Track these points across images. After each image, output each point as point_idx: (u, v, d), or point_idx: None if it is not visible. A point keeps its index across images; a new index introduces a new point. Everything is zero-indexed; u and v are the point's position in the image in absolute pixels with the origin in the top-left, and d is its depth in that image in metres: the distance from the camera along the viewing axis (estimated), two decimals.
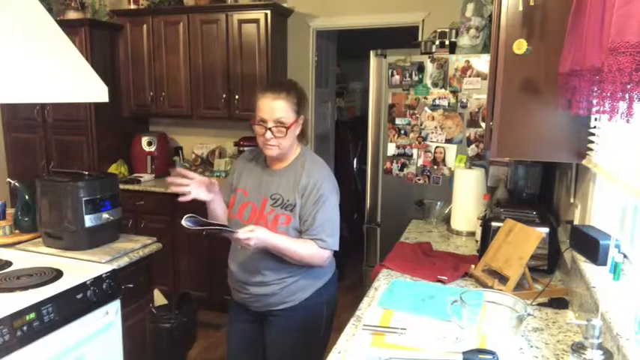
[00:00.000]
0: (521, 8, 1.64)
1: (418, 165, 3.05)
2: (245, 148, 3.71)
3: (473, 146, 2.89)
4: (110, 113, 3.93)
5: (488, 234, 1.96)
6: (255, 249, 1.65)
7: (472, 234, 2.44)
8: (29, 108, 3.96)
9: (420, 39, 3.44)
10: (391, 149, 3.12)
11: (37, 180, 2.15)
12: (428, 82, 2.96)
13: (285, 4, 3.83)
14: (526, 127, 1.77)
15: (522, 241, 1.74)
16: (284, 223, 1.71)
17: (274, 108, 1.67)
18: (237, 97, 3.74)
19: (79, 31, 3.72)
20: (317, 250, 1.71)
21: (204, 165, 4.19)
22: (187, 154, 4.33)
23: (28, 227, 2.26)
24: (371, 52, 3.15)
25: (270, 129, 1.67)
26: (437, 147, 2.99)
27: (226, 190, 1.91)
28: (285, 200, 1.73)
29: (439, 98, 2.94)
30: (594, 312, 1.28)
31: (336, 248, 1.76)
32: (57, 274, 1.83)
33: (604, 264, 1.47)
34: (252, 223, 1.71)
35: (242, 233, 1.58)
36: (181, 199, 1.74)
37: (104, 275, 1.90)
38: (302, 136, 1.80)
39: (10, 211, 2.37)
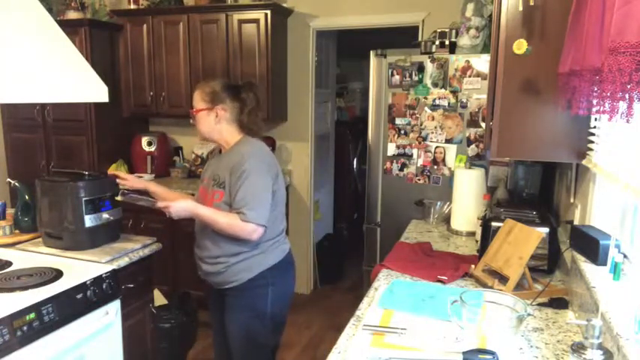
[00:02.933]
0: (521, 8, 1.64)
1: (418, 165, 3.06)
2: None
3: (473, 146, 2.89)
4: (110, 113, 3.92)
5: (488, 234, 1.97)
6: (178, 217, 1.87)
7: (472, 234, 2.44)
8: (29, 108, 3.95)
9: (420, 39, 3.44)
10: (391, 149, 3.12)
11: (37, 180, 2.15)
12: (428, 82, 2.96)
13: (285, 4, 3.83)
14: (526, 127, 1.77)
15: (522, 241, 1.74)
16: (218, 199, 1.90)
17: (193, 95, 1.99)
18: None
19: (79, 31, 3.72)
20: (238, 222, 1.82)
21: (204, 165, 4.19)
22: (187, 154, 4.33)
23: (28, 227, 2.26)
24: (371, 52, 3.15)
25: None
26: (437, 147, 2.99)
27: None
28: (220, 178, 1.92)
29: (439, 98, 2.94)
30: (594, 312, 1.28)
31: (260, 222, 1.84)
32: (57, 274, 1.83)
33: (604, 264, 1.47)
34: (201, 200, 1.97)
35: (160, 203, 1.86)
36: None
37: (104, 275, 1.90)
38: (243, 127, 1.98)
39: (10, 211, 2.37)
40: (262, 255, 1.94)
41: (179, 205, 1.84)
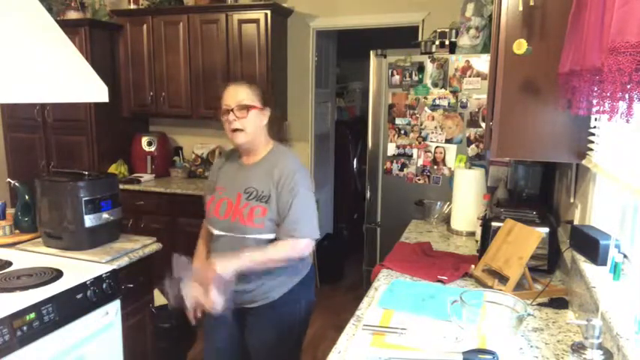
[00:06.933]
0: (521, 8, 1.64)
1: (418, 165, 3.06)
2: None
3: (473, 146, 2.89)
4: (110, 113, 3.92)
5: (488, 234, 1.96)
6: (229, 277, 1.65)
7: (472, 234, 2.44)
8: (29, 108, 3.96)
9: (420, 39, 3.44)
10: (391, 149, 3.12)
11: (37, 180, 2.15)
12: (428, 82, 2.96)
13: (285, 4, 3.83)
14: (526, 127, 1.77)
15: (522, 241, 1.74)
16: (260, 214, 1.75)
17: (237, 92, 1.78)
18: None
19: (79, 31, 3.72)
20: (291, 246, 1.73)
21: (204, 165, 4.19)
22: (187, 154, 4.33)
23: (28, 227, 2.26)
24: (371, 52, 3.15)
25: (232, 111, 1.75)
26: (437, 147, 2.99)
27: (206, 191, 2.00)
28: (260, 192, 1.77)
29: (439, 98, 2.94)
30: (594, 312, 1.28)
31: (316, 236, 1.78)
32: (57, 274, 1.83)
33: (604, 264, 1.46)
34: (229, 218, 1.78)
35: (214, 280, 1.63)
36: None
37: (104, 275, 1.90)
38: (275, 133, 1.87)
39: (10, 211, 2.37)
40: (292, 269, 1.83)
41: (223, 268, 1.63)
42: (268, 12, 3.58)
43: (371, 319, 1.50)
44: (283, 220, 1.74)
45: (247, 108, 1.76)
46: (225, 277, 1.64)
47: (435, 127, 2.97)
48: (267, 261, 1.73)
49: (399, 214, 3.06)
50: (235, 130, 1.77)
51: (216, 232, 1.83)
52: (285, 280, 1.82)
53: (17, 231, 2.28)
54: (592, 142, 1.66)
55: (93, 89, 2.12)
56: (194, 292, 1.69)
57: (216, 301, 1.64)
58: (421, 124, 3.01)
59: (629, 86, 0.94)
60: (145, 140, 4.11)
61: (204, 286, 1.66)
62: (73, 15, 3.83)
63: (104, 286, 1.89)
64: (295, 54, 3.96)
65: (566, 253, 1.80)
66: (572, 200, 2.01)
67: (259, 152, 1.84)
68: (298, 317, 1.88)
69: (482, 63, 2.80)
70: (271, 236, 1.77)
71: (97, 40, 3.83)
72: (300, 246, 1.75)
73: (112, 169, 3.99)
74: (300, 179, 1.76)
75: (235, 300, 1.83)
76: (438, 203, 2.77)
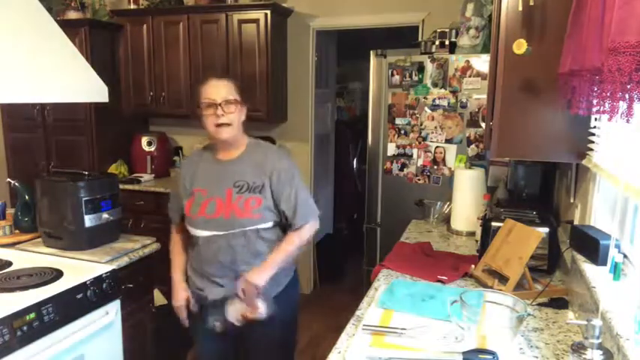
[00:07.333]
0: (521, 8, 1.64)
1: (418, 165, 3.06)
2: None
3: (473, 146, 2.90)
4: (110, 113, 3.92)
5: (488, 234, 1.96)
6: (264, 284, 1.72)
7: (472, 234, 2.44)
8: (29, 108, 3.96)
9: (420, 39, 3.44)
10: (391, 149, 3.12)
11: (37, 180, 2.15)
12: (428, 82, 2.96)
13: (285, 4, 3.83)
14: (526, 127, 1.77)
15: (522, 241, 1.74)
16: (255, 205, 1.75)
17: (221, 87, 1.75)
18: None
19: (79, 31, 3.72)
20: (305, 231, 1.81)
21: None
22: (187, 153, 4.33)
23: (28, 227, 2.26)
24: (371, 52, 3.15)
25: (220, 105, 1.72)
26: (437, 147, 2.99)
27: (176, 198, 1.96)
28: (252, 184, 1.76)
29: (439, 98, 2.94)
30: (594, 312, 1.28)
31: (318, 213, 1.87)
32: (57, 274, 1.83)
33: (604, 264, 1.46)
34: (221, 215, 1.76)
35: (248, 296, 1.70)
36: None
37: (104, 275, 1.90)
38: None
39: (10, 211, 2.37)
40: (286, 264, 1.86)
41: (252, 279, 1.69)
42: (268, 12, 3.58)
43: (371, 319, 1.50)
44: (292, 210, 1.77)
45: (234, 103, 1.74)
46: (261, 285, 1.70)
47: (435, 127, 2.97)
48: (288, 255, 1.79)
49: (399, 214, 3.06)
50: (221, 125, 1.73)
51: (205, 233, 1.78)
52: (280, 275, 1.82)
53: (17, 231, 2.28)
54: (592, 142, 1.66)
55: (93, 89, 2.12)
56: (238, 308, 1.73)
57: (261, 308, 1.71)
58: (421, 124, 3.01)
59: (629, 86, 0.94)
60: (145, 140, 4.11)
61: (247, 300, 1.71)
62: (73, 15, 3.83)
63: (104, 286, 1.89)
64: (295, 54, 3.96)
65: (566, 253, 1.80)
66: (572, 200, 2.01)
67: (239, 147, 1.83)
68: (297, 303, 1.93)
69: (482, 63, 2.80)
70: (268, 225, 1.78)
71: (97, 40, 3.83)
72: (307, 229, 1.82)
73: (112, 169, 3.99)
74: (293, 169, 1.83)
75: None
76: (438, 203, 2.77)
